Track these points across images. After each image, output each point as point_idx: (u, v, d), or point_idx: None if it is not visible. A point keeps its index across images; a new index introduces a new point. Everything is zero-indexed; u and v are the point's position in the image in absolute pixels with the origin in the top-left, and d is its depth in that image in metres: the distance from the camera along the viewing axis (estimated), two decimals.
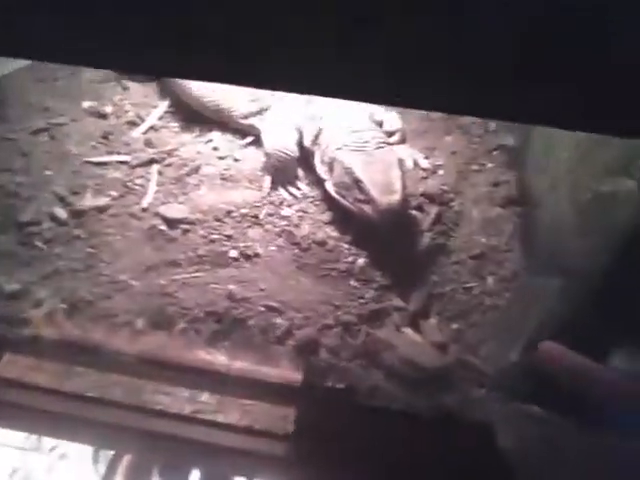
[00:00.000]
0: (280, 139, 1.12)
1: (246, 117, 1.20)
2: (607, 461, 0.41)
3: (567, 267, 0.85)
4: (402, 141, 1.23)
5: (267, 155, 1.11)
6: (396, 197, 0.96)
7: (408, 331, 0.94)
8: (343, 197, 1.03)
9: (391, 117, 1.21)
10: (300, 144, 1.13)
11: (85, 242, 1.04)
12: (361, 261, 0.99)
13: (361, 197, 0.98)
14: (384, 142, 1.05)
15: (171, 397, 0.89)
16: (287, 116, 1.15)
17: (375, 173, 0.98)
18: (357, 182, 0.99)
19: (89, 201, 1.08)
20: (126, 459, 1.23)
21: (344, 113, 1.10)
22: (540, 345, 0.51)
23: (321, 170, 1.09)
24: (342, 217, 1.05)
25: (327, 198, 1.08)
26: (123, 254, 1.02)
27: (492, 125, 1.31)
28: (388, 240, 1.01)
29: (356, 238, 1.03)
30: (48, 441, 1.51)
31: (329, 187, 1.06)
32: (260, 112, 1.18)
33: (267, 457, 0.85)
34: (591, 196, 0.97)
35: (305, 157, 1.14)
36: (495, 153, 1.25)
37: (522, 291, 0.97)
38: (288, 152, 1.10)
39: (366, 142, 1.03)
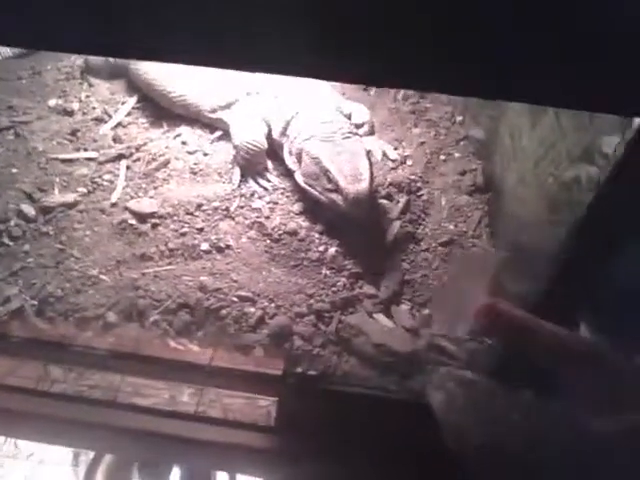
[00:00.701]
0: (248, 132, 1.12)
1: (214, 111, 1.20)
2: (528, 420, 0.43)
3: (528, 246, 0.88)
4: (371, 133, 1.24)
5: (236, 148, 1.12)
6: (364, 185, 0.96)
7: (380, 317, 0.95)
8: (312, 187, 1.04)
9: (359, 109, 1.22)
10: (269, 136, 1.14)
11: (54, 238, 1.03)
12: (332, 250, 1.00)
13: (329, 186, 0.99)
14: (352, 133, 1.06)
15: (147, 391, 0.89)
16: (255, 109, 1.15)
17: (343, 162, 0.99)
18: (325, 171, 0.99)
19: (57, 197, 1.07)
20: (105, 459, 1.22)
21: (312, 106, 1.11)
22: (478, 304, 0.49)
23: (290, 161, 1.10)
24: (312, 207, 1.06)
25: (297, 189, 1.09)
26: (93, 249, 1.01)
27: (459, 117, 1.34)
28: (358, 229, 1.02)
29: (327, 228, 1.04)
30: (26, 447, 1.49)
31: (298, 178, 1.07)
32: (228, 106, 1.18)
33: (248, 449, 0.86)
34: (554, 183, 1.00)
35: (274, 149, 1.15)
36: (462, 143, 1.27)
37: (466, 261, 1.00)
38: (257, 144, 1.11)
39: (334, 132, 1.04)
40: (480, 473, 0.42)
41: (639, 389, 0.44)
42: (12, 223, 1.04)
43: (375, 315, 0.95)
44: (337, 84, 1.27)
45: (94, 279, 0.97)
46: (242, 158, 1.11)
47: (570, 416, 0.43)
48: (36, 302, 0.94)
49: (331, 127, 1.05)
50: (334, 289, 0.97)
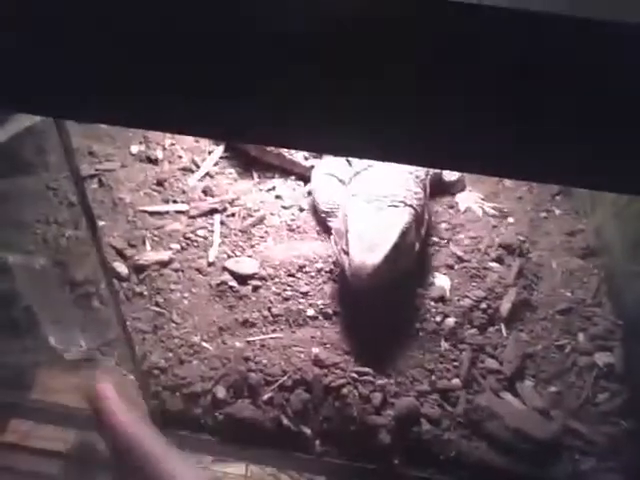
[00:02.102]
0: (324, 191, 1.07)
1: (307, 158, 1.14)
2: None
3: None
4: (462, 189, 1.18)
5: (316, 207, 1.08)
6: (373, 259, 0.84)
7: (507, 396, 0.88)
8: (335, 244, 0.95)
9: None
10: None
11: (149, 300, 0.97)
12: (451, 320, 0.94)
13: (345, 248, 0.89)
14: (404, 203, 0.93)
15: None
16: (335, 162, 1.10)
17: (367, 228, 0.88)
18: (346, 231, 0.89)
19: (150, 255, 1.01)
20: None
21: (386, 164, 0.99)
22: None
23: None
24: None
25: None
26: (192, 313, 0.95)
27: None
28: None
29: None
30: None
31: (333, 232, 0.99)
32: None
33: None
34: None
35: None
36: (558, 198, 1.21)
37: None
38: (331, 206, 1.05)
39: (384, 196, 0.92)
40: None
41: None
42: (103, 284, 0.98)
43: (502, 394, 0.88)
44: None
45: (197, 347, 0.91)
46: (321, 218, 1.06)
47: None
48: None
49: (383, 190, 0.94)
50: (455, 364, 0.90)
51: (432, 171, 1.07)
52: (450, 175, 1.15)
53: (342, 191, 1.02)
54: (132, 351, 0.79)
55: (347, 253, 0.88)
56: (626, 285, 1.02)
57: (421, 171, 1.00)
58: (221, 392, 0.86)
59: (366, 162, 1.00)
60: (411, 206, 0.92)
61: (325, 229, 1.05)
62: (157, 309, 0.96)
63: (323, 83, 0.37)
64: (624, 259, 1.07)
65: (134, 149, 1.21)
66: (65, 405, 0.90)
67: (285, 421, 0.84)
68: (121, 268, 1.00)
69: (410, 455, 0.83)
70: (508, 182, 1.24)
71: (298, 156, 1.14)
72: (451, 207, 1.12)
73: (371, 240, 0.86)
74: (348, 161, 1.06)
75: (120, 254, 1.02)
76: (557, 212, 1.18)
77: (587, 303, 1.01)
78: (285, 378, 0.86)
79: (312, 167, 1.14)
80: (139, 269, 1.00)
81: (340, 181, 1.06)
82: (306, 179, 1.15)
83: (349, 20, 0.34)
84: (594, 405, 0.90)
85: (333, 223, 1.01)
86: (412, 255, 0.94)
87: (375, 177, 0.97)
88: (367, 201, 0.92)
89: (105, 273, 0.73)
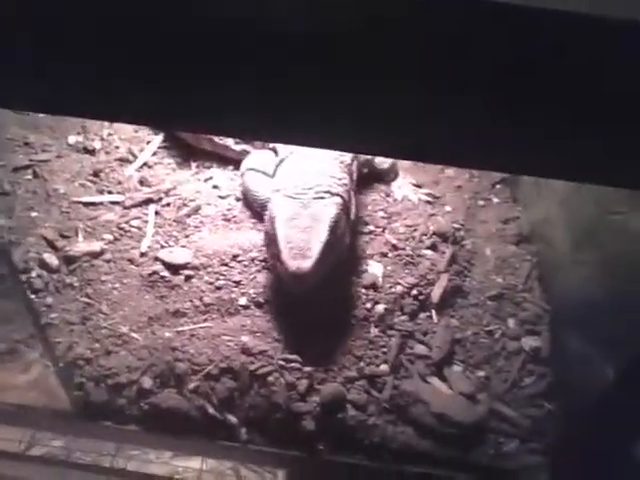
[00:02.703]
0: (252, 181, 1.06)
1: (237, 142, 1.13)
2: None
3: None
4: (395, 176, 1.17)
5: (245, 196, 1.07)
6: (307, 264, 0.82)
7: (435, 381, 0.89)
8: (267, 247, 0.93)
9: None
10: None
11: (79, 291, 0.96)
12: (381, 307, 0.94)
13: (276, 253, 0.87)
14: (330, 192, 0.91)
15: None
16: (261, 158, 1.08)
17: (295, 230, 0.85)
18: (274, 235, 0.87)
19: (81, 246, 1.00)
20: None
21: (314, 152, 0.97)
22: None
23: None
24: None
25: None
26: (122, 304, 0.94)
27: None
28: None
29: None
30: None
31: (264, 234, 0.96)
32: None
33: None
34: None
35: None
36: (498, 187, 1.22)
37: None
38: (257, 195, 1.04)
39: (308, 189, 0.90)
40: None
41: None
42: (34, 274, 0.96)
43: (429, 379, 0.89)
44: None
45: (125, 338, 0.90)
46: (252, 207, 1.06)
47: None
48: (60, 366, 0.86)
49: (307, 181, 0.91)
50: (384, 350, 0.91)
51: (361, 156, 1.06)
52: (382, 163, 1.14)
53: (268, 184, 1.00)
54: (46, 342, 0.78)
55: (279, 259, 0.85)
56: (560, 271, 1.04)
57: (346, 156, 0.99)
58: (147, 382, 0.85)
59: (290, 148, 0.99)
60: (337, 194, 0.91)
61: (260, 218, 1.05)
62: (87, 300, 0.95)
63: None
64: (566, 247, 1.08)
65: (71, 140, 1.19)
66: None
67: (210, 410, 0.83)
68: (51, 259, 0.98)
69: (335, 441, 0.83)
70: (449, 170, 1.25)
71: (229, 141, 1.12)
72: (387, 195, 1.13)
73: (301, 243, 0.84)
74: (275, 150, 1.05)
75: (51, 245, 1.00)
76: (495, 200, 1.19)
77: (518, 289, 1.02)
78: (212, 367, 0.85)
79: (243, 151, 1.12)
80: (70, 260, 0.99)
81: (265, 174, 1.04)
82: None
83: None
84: (520, 388, 0.92)
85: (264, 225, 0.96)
86: (344, 245, 0.94)
87: (298, 166, 0.95)
88: (291, 196, 0.90)
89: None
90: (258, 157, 1.08)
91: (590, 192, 0.93)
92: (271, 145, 1.07)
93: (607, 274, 0.84)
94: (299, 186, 0.90)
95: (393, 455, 0.84)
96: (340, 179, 0.94)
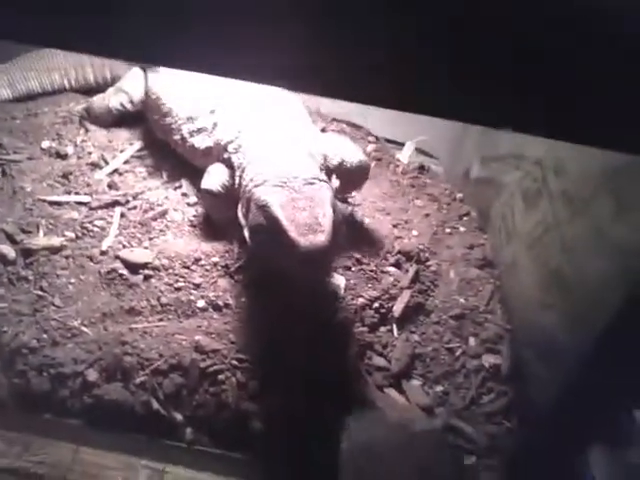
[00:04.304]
0: (209, 178, 1.00)
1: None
2: None
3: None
4: (364, 180, 1.08)
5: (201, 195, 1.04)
6: (320, 238, 0.74)
7: (392, 392, 0.87)
8: (259, 245, 0.84)
9: (345, 146, 1.04)
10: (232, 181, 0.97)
11: (33, 284, 0.93)
12: (341, 316, 0.93)
13: (279, 239, 0.77)
14: (318, 179, 0.85)
15: None
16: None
17: (297, 210, 0.78)
18: (274, 221, 0.78)
19: (41, 240, 0.98)
20: None
21: (277, 144, 0.93)
22: None
23: (240, 214, 0.89)
24: None
25: (246, 250, 0.95)
26: (76, 299, 0.92)
27: (459, 194, 1.31)
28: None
29: None
30: None
31: (246, 234, 0.86)
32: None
33: None
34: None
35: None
36: (465, 219, 1.24)
37: None
38: (214, 191, 0.98)
39: (294, 177, 0.83)
40: None
41: None
42: None
43: (386, 390, 0.87)
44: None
45: (75, 331, 0.87)
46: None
47: None
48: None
49: (291, 171, 0.85)
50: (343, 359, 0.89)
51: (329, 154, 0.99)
52: (352, 158, 1.02)
53: (233, 181, 0.96)
54: None
55: (283, 244, 0.76)
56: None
57: (317, 155, 0.95)
58: (92, 375, 0.82)
59: (235, 131, 0.97)
60: (325, 181, 0.86)
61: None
62: (40, 293, 0.92)
63: None
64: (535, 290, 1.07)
65: (45, 144, 1.19)
66: None
67: (155, 405, 0.80)
68: (8, 251, 0.96)
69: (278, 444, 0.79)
70: (418, 201, 1.27)
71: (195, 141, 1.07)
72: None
73: (307, 220, 0.77)
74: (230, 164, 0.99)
75: (10, 238, 0.99)
76: (462, 229, 1.21)
77: (480, 310, 1.02)
78: (161, 362, 0.83)
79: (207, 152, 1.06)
80: (27, 253, 0.97)
81: (230, 167, 0.98)
82: None
83: None
84: (479, 406, 0.90)
85: (245, 225, 0.88)
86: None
87: (273, 162, 0.89)
88: (279, 185, 0.83)
89: None
90: (214, 173, 1.01)
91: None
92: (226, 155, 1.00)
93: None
94: (282, 177, 0.84)
95: None
96: (320, 171, 0.90)
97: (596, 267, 0.82)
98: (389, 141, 1.41)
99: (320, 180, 0.85)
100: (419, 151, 1.38)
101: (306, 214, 0.78)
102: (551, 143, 1.08)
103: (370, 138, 1.41)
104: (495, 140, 1.24)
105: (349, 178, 1.02)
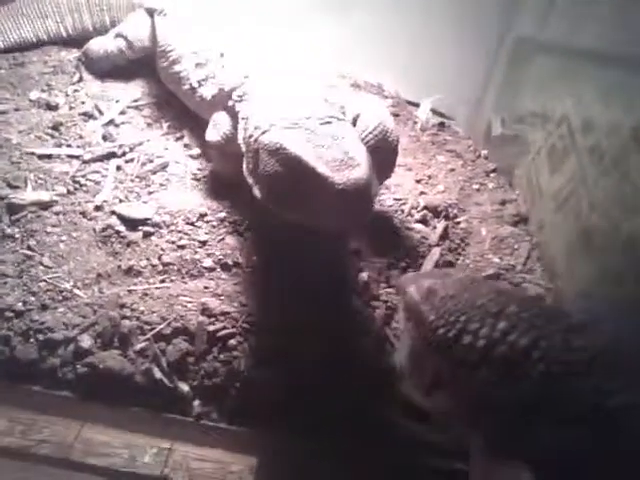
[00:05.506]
0: (214, 130, 0.90)
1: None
2: None
3: None
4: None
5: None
6: (358, 172, 0.63)
7: None
8: (275, 200, 0.69)
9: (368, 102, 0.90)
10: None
11: (20, 242, 0.83)
12: (364, 275, 0.83)
13: (303, 186, 0.64)
14: (335, 117, 0.73)
15: None
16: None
17: (321, 148, 0.66)
18: (294, 163, 0.65)
19: (28, 195, 0.88)
20: None
21: (287, 90, 0.80)
22: None
23: (246, 173, 0.75)
24: None
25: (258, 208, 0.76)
26: (68, 258, 0.82)
27: (483, 151, 1.21)
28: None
29: None
30: None
31: (256, 193, 0.72)
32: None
33: None
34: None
35: None
36: (492, 175, 1.14)
37: None
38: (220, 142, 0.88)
39: (307, 118, 0.71)
40: None
41: None
42: None
43: None
44: None
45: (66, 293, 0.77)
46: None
47: None
48: None
49: (302, 112, 0.72)
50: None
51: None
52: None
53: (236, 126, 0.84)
54: None
55: (310, 191, 0.64)
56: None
57: (334, 98, 0.84)
58: (86, 341, 0.72)
59: (240, 76, 0.85)
60: (342, 119, 0.74)
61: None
62: (27, 252, 0.82)
63: None
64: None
65: (33, 95, 1.09)
66: None
67: (158, 374, 0.70)
68: None
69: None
70: (441, 157, 1.17)
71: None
72: None
73: (338, 155, 0.65)
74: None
75: None
76: (490, 185, 1.10)
77: (517, 269, 0.92)
78: (164, 325, 0.73)
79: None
80: (13, 209, 0.87)
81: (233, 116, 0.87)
82: None
83: None
84: None
85: (255, 185, 0.73)
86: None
87: (280, 106, 0.76)
88: (288, 127, 0.70)
89: None
90: (221, 122, 0.89)
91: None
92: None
93: None
94: (294, 117, 0.71)
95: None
96: (340, 109, 0.80)
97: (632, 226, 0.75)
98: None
99: (338, 119, 0.72)
100: (434, 112, 1.28)
101: (333, 150, 0.65)
102: (577, 98, 1.02)
103: (386, 93, 1.31)
104: (516, 99, 1.19)
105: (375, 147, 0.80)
